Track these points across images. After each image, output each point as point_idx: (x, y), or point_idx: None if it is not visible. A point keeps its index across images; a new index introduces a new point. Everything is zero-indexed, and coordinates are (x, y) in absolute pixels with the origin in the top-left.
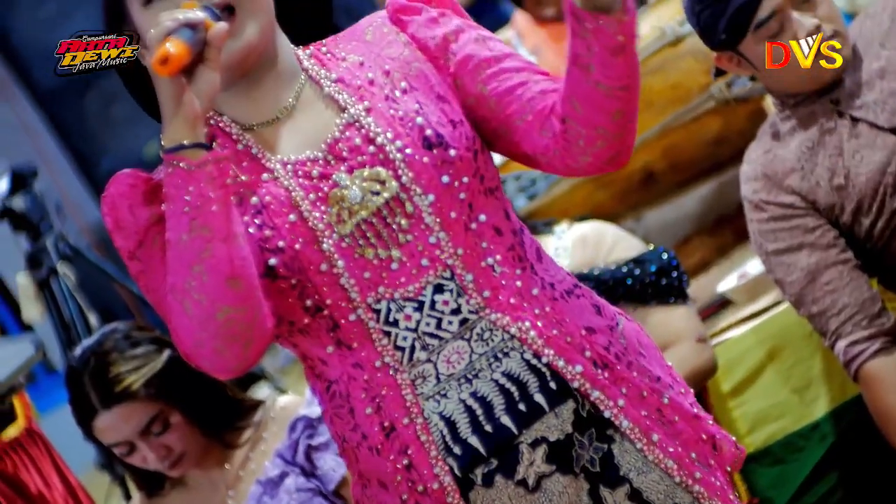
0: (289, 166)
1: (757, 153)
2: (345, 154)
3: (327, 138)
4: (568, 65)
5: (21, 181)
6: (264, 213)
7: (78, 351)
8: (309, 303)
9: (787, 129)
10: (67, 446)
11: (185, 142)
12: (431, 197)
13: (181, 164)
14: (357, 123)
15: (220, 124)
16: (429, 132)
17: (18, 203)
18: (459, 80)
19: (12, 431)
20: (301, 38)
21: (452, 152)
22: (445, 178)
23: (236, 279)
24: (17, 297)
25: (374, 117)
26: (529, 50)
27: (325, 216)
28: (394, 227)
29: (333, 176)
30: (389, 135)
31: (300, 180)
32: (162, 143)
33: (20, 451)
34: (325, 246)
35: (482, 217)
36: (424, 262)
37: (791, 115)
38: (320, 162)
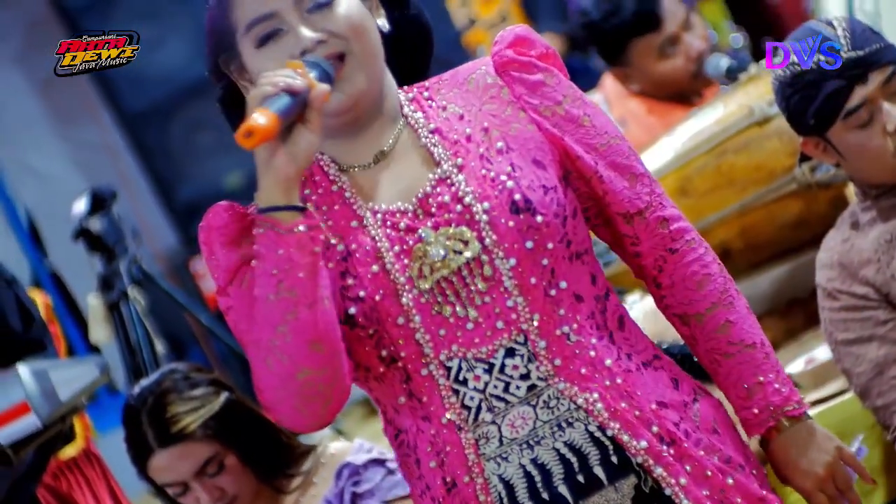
0: (378, 215)
1: (835, 241)
2: (433, 210)
3: (419, 192)
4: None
5: (100, 203)
6: (349, 261)
7: (136, 389)
8: (384, 353)
9: (866, 219)
10: (124, 466)
11: (277, 204)
12: (513, 261)
13: (273, 227)
14: (448, 180)
15: (321, 162)
16: (517, 196)
17: (95, 224)
18: (571, 155)
19: (70, 451)
20: (402, 78)
21: (539, 218)
22: (530, 244)
23: (319, 343)
24: (86, 318)
25: (466, 176)
26: (616, 119)
27: (407, 270)
28: (472, 287)
29: (419, 230)
30: (477, 195)
31: (387, 231)
32: (255, 201)
33: (76, 471)
34: (404, 300)
35: (563, 284)
36: (500, 324)
37: (872, 206)
38: (409, 214)
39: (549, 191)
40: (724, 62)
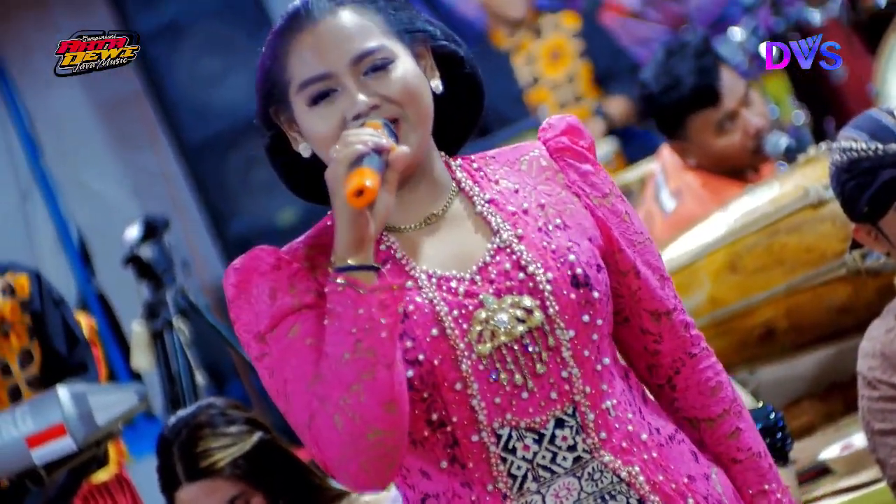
0: (433, 279)
1: (879, 331)
2: (493, 276)
3: (478, 261)
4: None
5: (152, 231)
6: (406, 323)
7: (172, 420)
8: (434, 417)
9: None
10: (156, 494)
11: (355, 263)
12: (572, 333)
13: (352, 286)
14: (509, 249)
15: None
16: (579, 270)
17: (146, 252)
18: (614, 245)
19: (102, 476)
20: (449, 135)
21: (596, 294)
22: (586, 318)
23: (394, 403)
24: (130, 343)
25: (527, 245)
26: (672, 191)
27: (466, 335)
28: (533, 356)
29: (481, 296)
30: (541, 265)
31: (444, 294)
32: (332, 259)
33: (107, 497)
34: (463, 365)
35: (606, 360)
36: (553, 395)
37: None
38: (466, 281)
39: (601, 270)
40: (783, 141)
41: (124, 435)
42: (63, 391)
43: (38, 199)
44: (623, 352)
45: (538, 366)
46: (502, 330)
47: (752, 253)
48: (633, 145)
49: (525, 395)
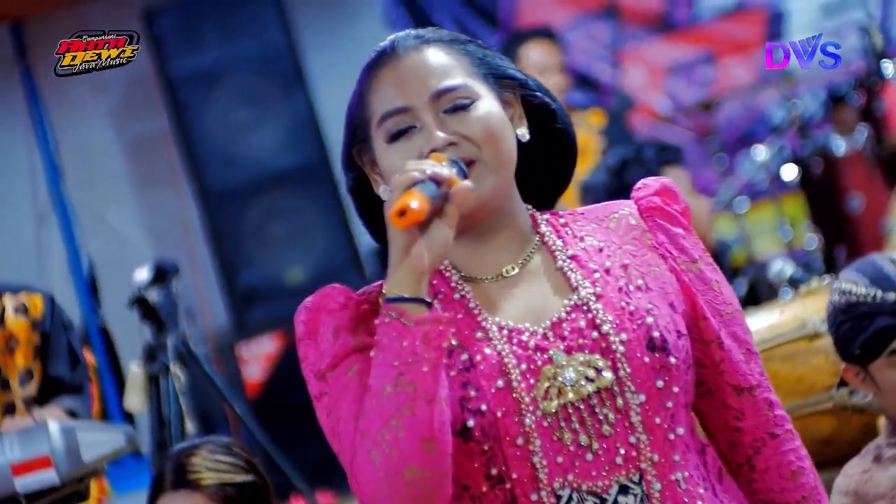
0: (504, 331)
1: (855, 469)
2: (566, 333)
3: (553, 317)
4: None
5: (162, 275)
6: (472, 372)
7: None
8: (494, 471)
9: (889, 455)
10: None
11: (406, 294)
12: (643, 397)
13: (399, 318)
14: (585, 307)
15: (441, 268)
16: (655, 334)
17: (153, 295)
18: (699, 312)
19: None
20: (537, 192)
21: (673, 360)
22: (660, 383)
23: (433, 442)
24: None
25: (604, 305)
26: None
27: (533, 390)
28: (600, 417)
29: (550, 351)
30: (616, 326)
31: (513, 347)
32: (384, 290)
33: None
34: (526, 420)
35: (680, 430)
36: (619, 460)
37: None
38: (539, 336)
39: (681, 336)
40: (787, 268)
41: (110, 471)
42: (53, 425)
43: (54, 224)
44: (704, 425)
45: (605, 427)
46: (569, 388)
47: None
48: None
49: (589, 456)
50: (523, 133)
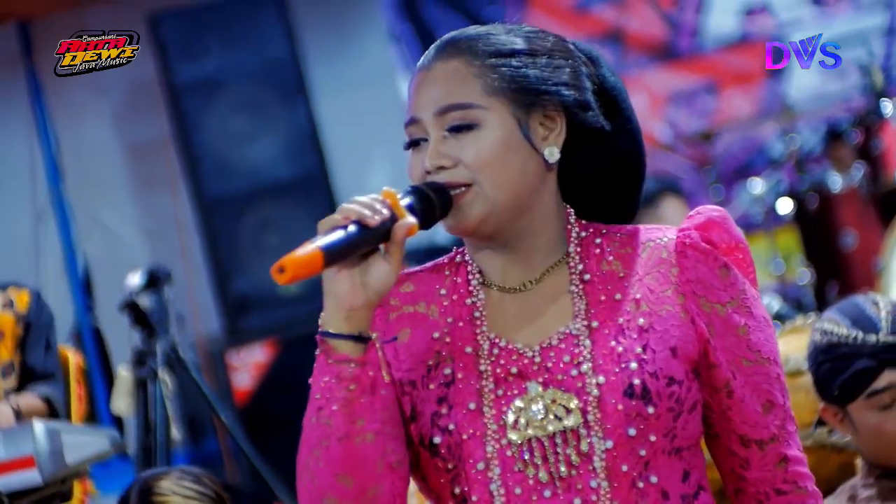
0: (495, 349)
1: None
2: (549, 364)
3: (545, 341)
4: None
5: (154, 281)
6: (450, 389)
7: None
8: (457, 490)
9: (864, 496)
10: None
11: (332, 330)
12: (609, 444)
13: (324, 352)
14: (576, 339)
15: (469, 268)
16: (636, 381)
17: (144, 300)
18: (711, 358)
19: None
20: (605, 215)
21: (651, 409)
22: (632, 431)
23: (347, 476)
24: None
25: (593, 342)
26: None
27: (501, 418)
28: (561, 456)
29: (527, 382)
30: (597, 367)
31: (497, 370)
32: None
33: None
34: (489, 447)
35: (653, 478)
36: (577, 501)
37: (874, 485)
38: (526, 360)
39: (673, 383)
40: (774, 304)
41: (96, 471)
42: (38, 425)
43: (52, 223)
44: (717, 468)
45: (563, 469)
46: (536, 422)
47: None
48: None
49: (547, 493)
50: (551, 152)
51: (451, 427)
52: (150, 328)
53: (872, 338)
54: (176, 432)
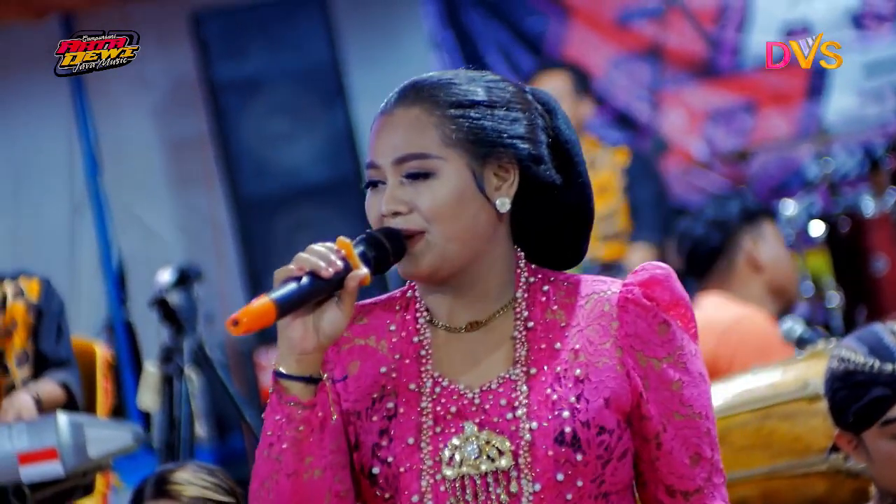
0: (437, 389)
1: None
2: (487, 406)
3: (484, 384)
4: None
5: (184, 279)
6: (392, 422)
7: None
8: None
9: None
10: None
11: (284, 371)
12: (538, 486)
13: (276, 392)
14: (514, 385)
15: (417, 307)
16: (567, 430)
17: (174, 297)
18: (643, 411)
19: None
20: (549, 261)
21: (579, 457)
22: (560, 476)
23: None
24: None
25: (530, 388)
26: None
27: (438, 453)
28: (492, 495)
29: (465, 423)
30: (531, 413)
31: (437, 408)
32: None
33: None
34: (423, 482)
35: None
36: None
37: None
38: (465, 401)
39: (603, 432)
40: (797, 328)
41: (121, 463)
42: (62, 418)
43: (89, 216)
44: None
45: None
46: (470, 461)
47: (742, 430)
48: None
49: None
50: (503, 203)
51: (390, 459)
52: (178, 325)
53: (889, 367)
54: (200, 429)
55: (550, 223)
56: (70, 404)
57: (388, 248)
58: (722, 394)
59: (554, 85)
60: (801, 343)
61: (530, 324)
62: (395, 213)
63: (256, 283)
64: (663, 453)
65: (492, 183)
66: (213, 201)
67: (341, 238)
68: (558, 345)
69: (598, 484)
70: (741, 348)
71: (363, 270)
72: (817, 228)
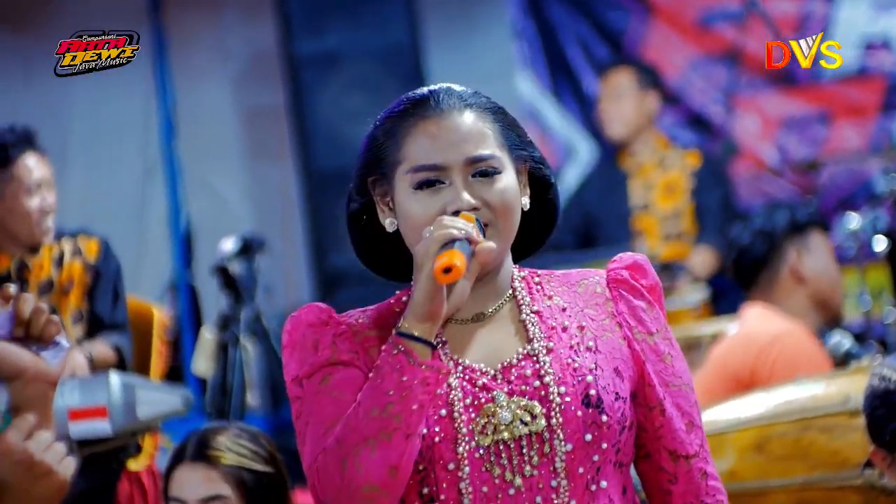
0: (460, 367)
1: None
2: (512, 378)
3: (504, 360)
4: None
5: (247, 249)
6: None
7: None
8: (426, 491)
9: None
10: None
11: (417, 334)
12: (570, 447)
13: (406, 354)
14: (535, 357)
15: None
16: (592, 392)
17: (235, 266)
18: (645, 379)
19: (134, 465)
20: (517, 255)
21: (604, 418)
22: (588, 437)
23: (397, 470)
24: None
25: (552, 359)
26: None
27: (471, 423)
28: (526, 458)
29: (494, 392)
30: (557, 379)
31: (464, 383)
32: (399, 323)
33: (135, 486)
34: (460, 448)
35: (604, 483)
36: (538, 499)
37: None
38: (489, 376)
39: (619, 399)
40: (845, 343)
41: (172, 426)
42: (115, 378)
43: (160, 179)
44: (644, 486)
45: (527, 469)
46: (504, 427)
47: (781, 440)
48: (728, 298)
49: (512, 491)
50: (525, 203)
51: (424, 431)
52: (237, 294)
53: None
54: (251, 397)
55: (531, 219)
56: (120, 368)
57: (483, 233)
58: (764, 402)
59: (619, 81)
60: (847, 357)
61: (535, 307)
62: (473, 209)
63: (321, 257)
64: (666, 419)
65: (519, 182)
66: (284, 173)
67: (466, 213)
68: (566, 322)
69: (615, 450)
70: (780, 364)
71: (491, 243)
72: (880, 243)
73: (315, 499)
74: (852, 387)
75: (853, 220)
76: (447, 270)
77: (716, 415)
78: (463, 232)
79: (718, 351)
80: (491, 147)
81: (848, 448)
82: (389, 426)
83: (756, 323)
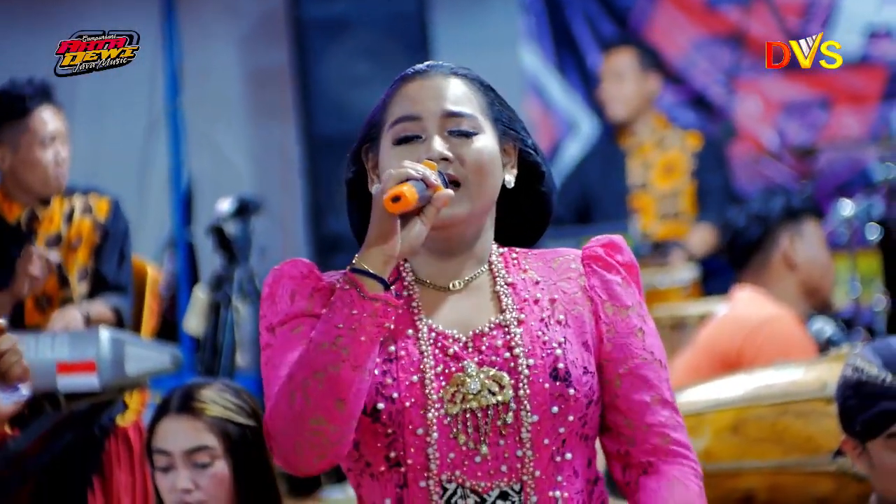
0: (433, 333)
1: None
2: (483, 348)
3: (476, 328)
4: None
5: (243, 210)
6: (394, 363)
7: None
8: (392, 454)
9: None
10: None
11: (372, 270)
12: (535, 418)
13: (357, 288)
14: (506, 328)
15: (401, 267)
16: (560, 365)
17: (230, 227)
18: (605, 354)
19: (120, 421)
20: (511, 237)
21: (571, 391)
22: (555, 409)
23: (344, 403)
24: None
25: (523, 331)
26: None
27: (441, 390)
28: (493, 427)
29: (464, 361)
30: (527, 351)
31: (436, 350)
32: (353, 260)
33: (120, 442)
34: (429, 415)
35: (568, 455)
36: (504, 468)
37: None
38: (461, 344)
39: (587, 373)
40: (827, 329)
41: (161, 383)
42: (104, 333)
43: (163, 135)
44: (606, 458)
45: (495, 437)
46: (472, 396)
47: (757, 423)
48: (719, 279)
49: (478, 459)
50: (510, 180)
51: (395, 396)
52: (231, 255)
53: None
54: (240, 358)
55: (523, 208)
56: (117, 330)
57: (447, 183)
58: (743, 385)
59: (620, 61)
60: (829, 344)
61: (510, 279)
62: (443, 159)
63: (319, 221)
64: (622, 392)
65: (503, 158)
66: (286, 135)
67: (428, 160)
68: (538, 295)
69: (581, 423)
70: (766, 349)
71: (449, 191)
72: (873, 231)
73: (267, 437)
74: (830, 374)
75: (847, 207)
76: (395, 199)
77: (695, 395)
78: (420, 173)
79: (707, 331)
80: (471, 108)
81: (822, 434)
82: (338, 358)
83: (746, 306)
